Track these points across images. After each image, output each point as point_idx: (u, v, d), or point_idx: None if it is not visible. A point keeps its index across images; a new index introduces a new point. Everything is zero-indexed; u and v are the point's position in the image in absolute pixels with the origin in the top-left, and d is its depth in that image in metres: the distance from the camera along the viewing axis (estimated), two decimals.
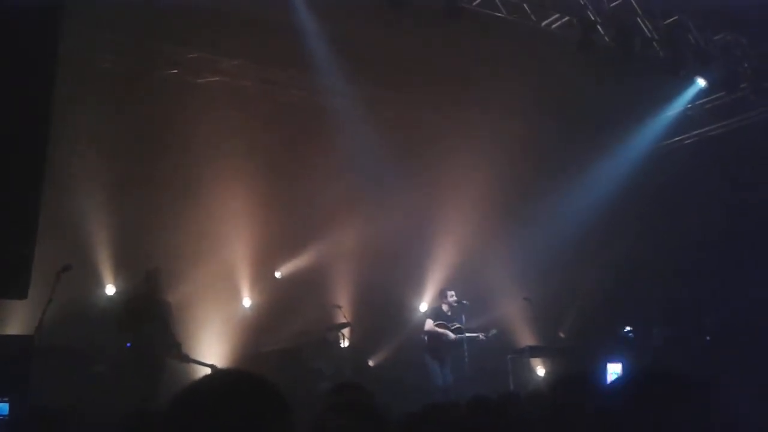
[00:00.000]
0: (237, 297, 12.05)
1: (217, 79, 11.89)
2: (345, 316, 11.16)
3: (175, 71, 11.57)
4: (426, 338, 10.95)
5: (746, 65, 11.50)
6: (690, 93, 12.38)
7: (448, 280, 12.21)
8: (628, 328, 12.21)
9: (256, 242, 11.87)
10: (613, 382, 1.84)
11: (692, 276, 12.14)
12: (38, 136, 5.67)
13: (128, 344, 8.84)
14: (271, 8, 9.73)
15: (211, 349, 10.66)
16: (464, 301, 11.04)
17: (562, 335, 12.88)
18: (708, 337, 11.63)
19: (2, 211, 5.38)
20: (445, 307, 11.13)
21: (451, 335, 10.86)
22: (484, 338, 10.96)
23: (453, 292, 11.14)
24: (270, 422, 1.67)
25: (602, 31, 10.37)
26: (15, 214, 5.47)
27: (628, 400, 1.74)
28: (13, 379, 6.43)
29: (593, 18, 10.24)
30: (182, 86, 11.57)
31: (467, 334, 10.83)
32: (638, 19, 10.63)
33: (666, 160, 13.37)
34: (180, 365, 9.31)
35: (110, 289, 10.93)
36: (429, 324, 11.01)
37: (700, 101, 12.80)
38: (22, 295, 5.67)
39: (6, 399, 6.13)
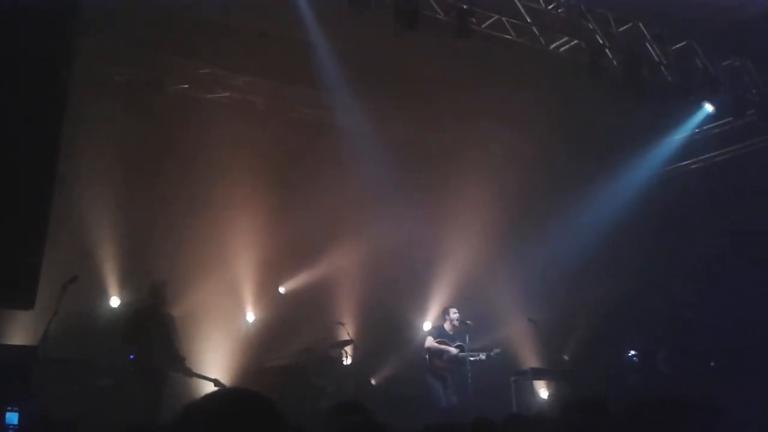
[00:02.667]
0: (241, 312, 12.04)
1: (227, 94, 11.99)
2: (348, 334, 11.13)
3: (186, 86, 11.67)
4: (427, 356, 10.85)
5: (754, 91, 11.54)
6: (697, 118, 12.42)
7: (451, 299, 12.16)
8: (632, 352, 12.13)
9: (261, 257, 11.88)
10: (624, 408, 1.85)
11: (697, 300, 12.08)
12: (48, 148, 5.72)
13: (131, 357, 8.83)
14: (282, 25, 9.84)
15: (213, 363, 10.64)
16: (468, 321, 10.96)
17: (565, 358, 12.80)
18: (712, 363, 11.56)
19: (12, 221, 5.41)
20: (447, 326, 11.05)
21: (452, 350, 10.76)
22: (484, 358, 10.85)
23: (456, 311, 11.08)
24: None
25: (611, 55, 10.41)
26: (24, 225, 5.50)
27: (638, 425, 1.75)
28: (19, 390, 6.45)
29: (602, 42, 10.29)
30: (192, 101, 11.68)
31: (470, 356, 10.74)
32: (647, 44, 10.69)
33: (672, 184, 13.37)
34: (183, 379, 9.29)
35: (115, 302, 10.93)
36: (429, 341, 10.90)
37: (708, 126, 12.81)
38: (28, 305, 5.69)
39: (16, 408, 6.15)
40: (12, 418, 6.13)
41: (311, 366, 10.66)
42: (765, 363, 9.91)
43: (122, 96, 11.00)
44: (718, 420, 1.70)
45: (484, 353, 10.83)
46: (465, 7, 9.28)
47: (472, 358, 10.73)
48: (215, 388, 9.19)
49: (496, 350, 10.94)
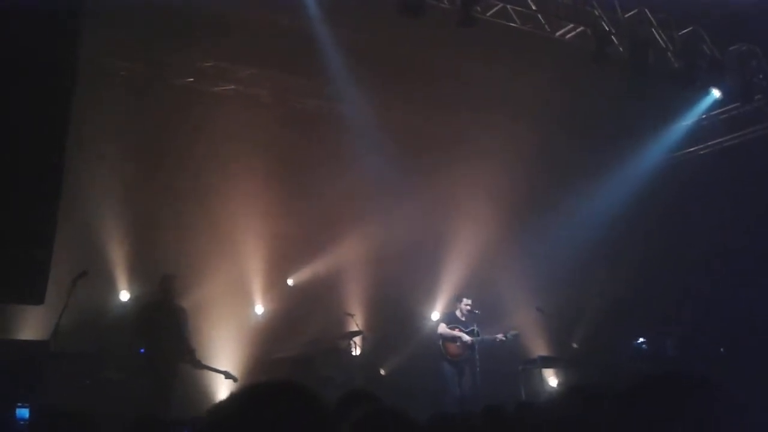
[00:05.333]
0: (250, 304, 12.08)
1: (232, 87, 11.99)
2: (357, 325, 11.15)
3: (191, 79, 11.68)
4: (441, 342, 10.97)
5: (761, 76, 11.45)
6: (704, 103, 12.35)
7: (460, 288, 12.18)
8: (641, 339, 12.12)
9: (270, 249, 11.91)
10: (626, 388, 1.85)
11: (706, 286, 12.06)
12: (56, 143, 5.74)
13: (142, 350, 8.89)
14: (286, 17, 9.81)
15: (223, 355, 10.69)
16: (476, 311, 11.06)
17: (574, 346, 12.80)
18: (722, 349, 11.54)
19: (21, 216, 5.44)
20: (458, 313, 11.17)
21: (466, 336, 10.87)
22: (504, 338, 10.95)
23: (469, 300, 11.17)
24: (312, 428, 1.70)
25: (617, 42, 10.36)
26: (33, 220, 5.53)
27: (641, 405, 1.75)
28: (30, 384, 6.50)
29: (608, 28, 10.23)
30: (197, 94, 11.69)
31: (487, 337, 10.86)
32: (653, 30, 10.62)
33: (680, 171, 13.31)
34: (193, 371, 9.35)
35: (125, 295, 10.98)
36: (442, 327, 11.08)
37: (715, 112, 12.74)
38: (38, 300, 5.73)
39: (27, 405, 6.20)
40: (23, 413, 6.18)
41: (320, 357, 10.71)
42: None
43: (127, 90, 11.01)
44: (720, 395, 1.70)
45: (502, 334, 10.94)
46: None
47: (490, 337, 10.84)
48: (227, 381, 9.31)
49: (513, 332, 11.11)
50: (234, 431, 1.67)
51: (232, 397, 1.79)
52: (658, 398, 1.73)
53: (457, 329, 11.00)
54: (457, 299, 11.41)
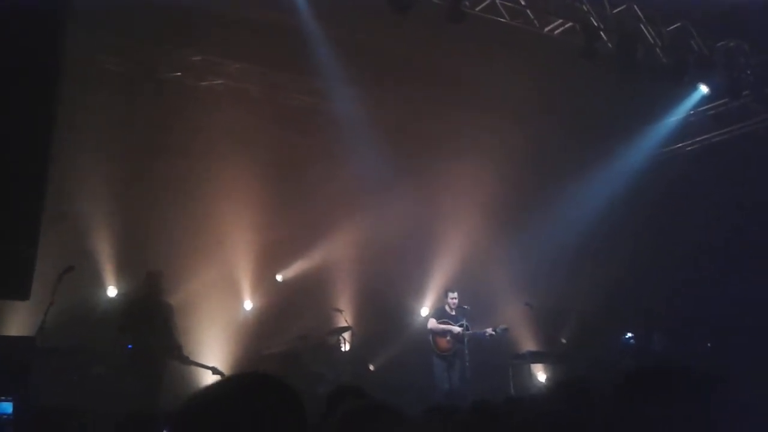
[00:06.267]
0: (238, 300, 12.05)
1: (220, 82, 11.93)
2: (346, 320, 11.16)
3: (179, 74, 11.61)
4: (431, 337, 11.03)
5: (749, 72, 11.51)
6: (693, 99, 12.40)
7: (449, 284, 12.20)
8: (629, 334, 12.18)
9: (258, 245, 11.88)
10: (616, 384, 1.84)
11: (694, 282, 12.12)
12: (42, 136, 5.68)
13: (129, 346, 8.84)
14: (275, 12, 9.76)
15: (212, 351, 10.66)
16: (465, 306, 11.10)
17: (563, 341, 12.86)
18: (709, 344, 11.61)
19: (5, 211, 5.38)
20: (447, 308, 11.25)
21: (456, 329, 10.93)
22: (493, 333, 10.98)
23: (455, 294, 11.20)
24: (288, 423, 1.68)
25: (605, 38, 10.38)
26: (18, 215, 5.47)
27: (632, 400, 1.75)
28: (15, 380, 6.44)
29: (596, 24, 10.25)
30: (185, 89, 11.62)
31: (477, 332, 10.90)
32: (641, 26, 10.64)
33: (668, 167, 13.37)
34: (181, 367, 9.31)
35: (112, 291, 10.92)
36: (432, 322, 11.15)
37: (703, 108, 12.80)
38: (24, 296, 5.66)
39: (10, 398, 6.14)
40: (6, 407, 6.13)
41: (309, 353, 10.70)
42: (761, 345, 9.93)
43: (115, 85, 10.92)
44: (711, 388, 1.70)
45: (491, 329, 10.97)
46: None
47: (479, 332, 10.90)
48: (214, 376, 9.28)
49: (503, 326, 11.15)
50: (211, 422, 1.65)
51: (209, 389, 1.76)
52: (650, 392, 1.73)
53: (447, 323, 11.04)
54: (444, 294, 11.46)
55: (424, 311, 12.88)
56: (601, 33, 10.31)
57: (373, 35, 10.36)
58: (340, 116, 12.12)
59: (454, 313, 11.17)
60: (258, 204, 11.59)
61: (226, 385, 1.80)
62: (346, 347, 11.07)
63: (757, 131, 12.33)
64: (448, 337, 10.96)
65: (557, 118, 12.76)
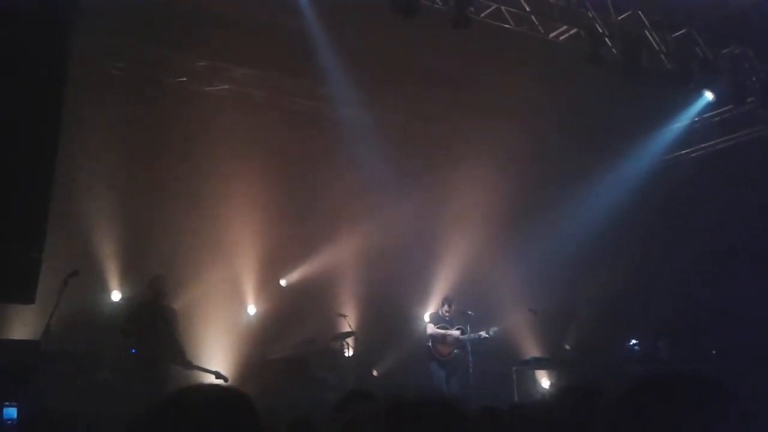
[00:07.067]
0: (242, 305, 12.04)
1: (225, 87, 11.96)
2: (350, 325, 11.14)
3: (184, 79, 11.64)
4: (430, 343, 11.03)
5: (754, 79, 11.49)
6: (697, 106, 12.40)
7: (452, 290, 12.18)
8: (633, 341, 12.14)
9: (262, 250, 11.87)
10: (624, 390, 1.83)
11: (698, 288, 12.08)
12: (48, 141, 5.70)
13: (133, 350, 8.84)
14: (280, 17, 9.79)
15: (215, 356, 10.65)
16: (469, 312, 11.10)
17: (567, 347, 12.82)
18: (714, 351, 11.56)
19: (12, 215, 5.40)
20: (441, 313, 11.28)
21: (454, 333, 10.96)
22: (486, 335, 10.96)
23: (446, 308, 11.26)
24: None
25: (610, 44, 10.37)
26: (25, 219, 5.49)
27: (638, 407, 1.74)
28: (20, 384, 6.45)
29: (601, 30, 10.24)
30: (191, 94, 11.65)
31: (471, 336, 10.90)
32: (646, 32, 10.64)
33: (673, 173, 13.34)
34: (184, 372, 9.30)
35: (116, 295, 10.92)
36: (431, 328, 11.17)
37: (708, 114, 12.78)
38: (29, 300, 5.68)
39: (15, 404, 6.15)
40: (11, 413, 6.13)
41: (313, 358, 10.68)
42: (765, 352, 9.89)
43: (120, 89, 10.96)
44: (720, 396, 1.69)
45: (484, 331, 10.98)
46: None
47: (474, 336, 10.92)
48: (218, 381, 9.27)
49: (494, 329, 11.09)
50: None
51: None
52: (655, 399, 1.72)
53: (444, 328, 11.06)
54: (441, 303, 11.47)
55: (428, 317, 12.86)
56: (606, 39, 10.30)
57: (379, 41, 10.38)
58: (344, 121, 12.14)
59: (449, 318, 11.18)
60: (262, 208, 11.60)
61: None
62: (349, 352, 11.05)
63: (762, 138, 12.29)
64: (447, 340, 10.96)
65: (562, 123, 12.75)
